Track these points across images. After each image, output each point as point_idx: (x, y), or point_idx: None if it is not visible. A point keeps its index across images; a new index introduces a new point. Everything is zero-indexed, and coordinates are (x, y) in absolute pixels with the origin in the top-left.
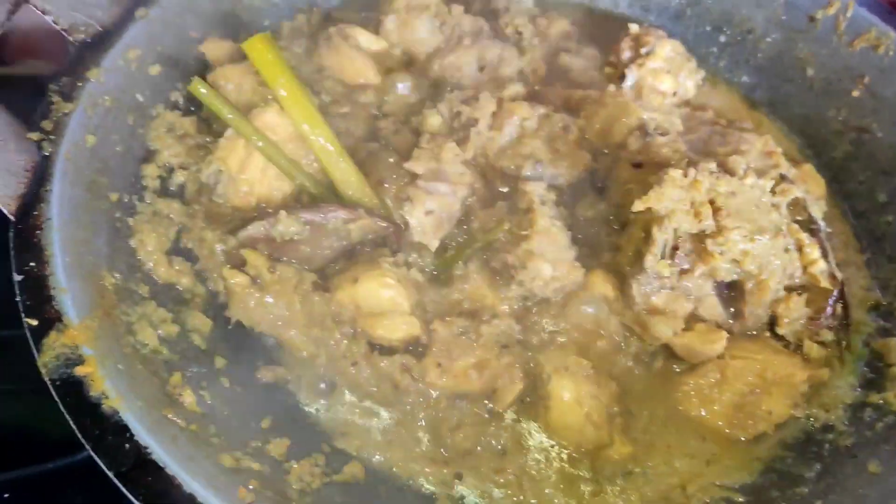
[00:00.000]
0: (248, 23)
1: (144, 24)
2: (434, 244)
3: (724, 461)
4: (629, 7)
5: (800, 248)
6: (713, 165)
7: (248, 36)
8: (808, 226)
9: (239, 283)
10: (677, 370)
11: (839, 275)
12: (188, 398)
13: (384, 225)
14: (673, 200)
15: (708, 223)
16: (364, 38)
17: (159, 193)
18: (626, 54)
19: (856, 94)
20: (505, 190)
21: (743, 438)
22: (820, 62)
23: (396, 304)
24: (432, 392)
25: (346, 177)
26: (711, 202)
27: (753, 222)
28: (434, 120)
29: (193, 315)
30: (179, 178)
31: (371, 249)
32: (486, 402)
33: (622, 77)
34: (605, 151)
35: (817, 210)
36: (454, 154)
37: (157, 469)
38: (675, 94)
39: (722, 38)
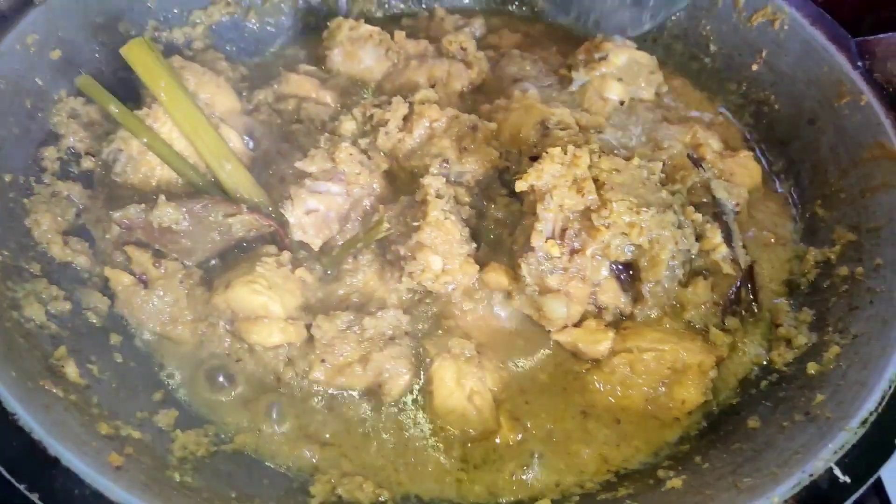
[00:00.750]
0: (155, 10)
1: (44, 10)
2: (317, 243)
3: (633, 442)
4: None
5: (701, 234)
6: (595, 146)
7: (156, 23)
8: (713, 209)
9: (122, 283)
10: (584, 370)
11: (744, 259)
12: (71, 370)
13: (266, 223)
14: (554, 177)
15: (591, 198)
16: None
17: (59, 176)
18: (581, 57)
19: (755, 68)
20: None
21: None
22: (721, 38)
23: (269, 310)
24: (315, 387)
25: (233, 176)
26: (595, 179)
27: (640, 197)
28: (348, 125)
29: (89, 293)
30: (87, 164)
31: (257, 246)
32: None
33: (570, 81)
34: (515, 152)
35: (723, 192)
36: (349, 154)
37: (21, 433)
38: (622, 102)
39: None
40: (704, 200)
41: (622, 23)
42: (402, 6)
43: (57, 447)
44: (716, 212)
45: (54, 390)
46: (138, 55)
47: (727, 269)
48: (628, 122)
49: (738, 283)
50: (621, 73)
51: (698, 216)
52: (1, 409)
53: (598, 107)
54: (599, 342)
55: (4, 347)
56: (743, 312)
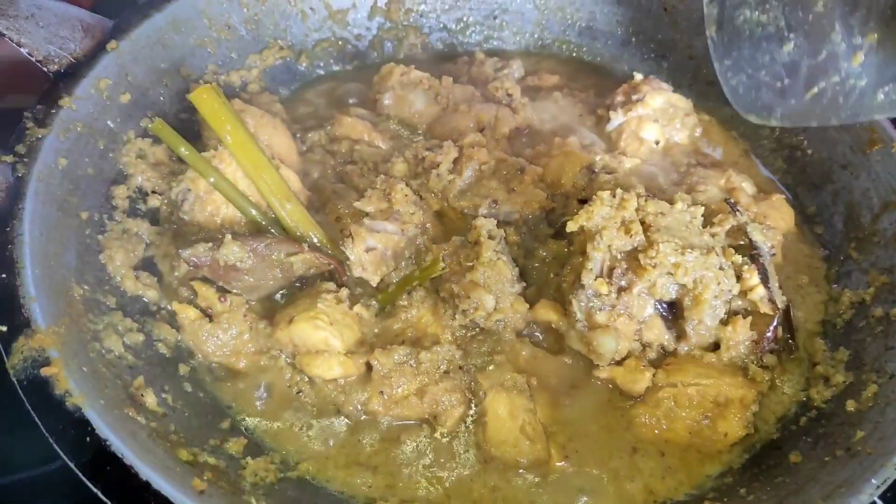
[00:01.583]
0: (215, 55)
1: (115, 56)
2: (374, 280)
3: (678, 475)
4: (578, 36)
5: (739, 275)
6: (641, 190)
7: (215, 67)
8: (749, 251)
9: (188, 317)
10: (629, 404)
11: (780, 300)
12: (150, 399)
13: (325, 261)
14: (603, 218)
15: (639, 239)
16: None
17: (128, 213)
18: (619, 99)
19: None
20: (465, 228)
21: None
22: None
23: (329, 344)
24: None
25: (293, 215)
26: (642, 222)
27: (684, 239)
28: (400, 166)
29: (159, 326)
30: (154, 201)
31: (317, 283)
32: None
33: (608, 120)
34: (560, 193)
35: (759, 235)
36: (404, 195)
37: (115, 460)
38: (657, 143)
39: (665, 65)
40: (741, 243)
41: (758, 102)
42: (441, 46)
43: (147, 472)
44: (753, 254)
45: (138, 418)
46: (206, 100)
47: (765, 308)
48: (664, 164)
49: (776, 322)
50: (657, 115)
51: (738, 258)
52: (94, 436)
53: (633, 147)
54: (638, 381)
55: (92, 377)
56: (780, 351)
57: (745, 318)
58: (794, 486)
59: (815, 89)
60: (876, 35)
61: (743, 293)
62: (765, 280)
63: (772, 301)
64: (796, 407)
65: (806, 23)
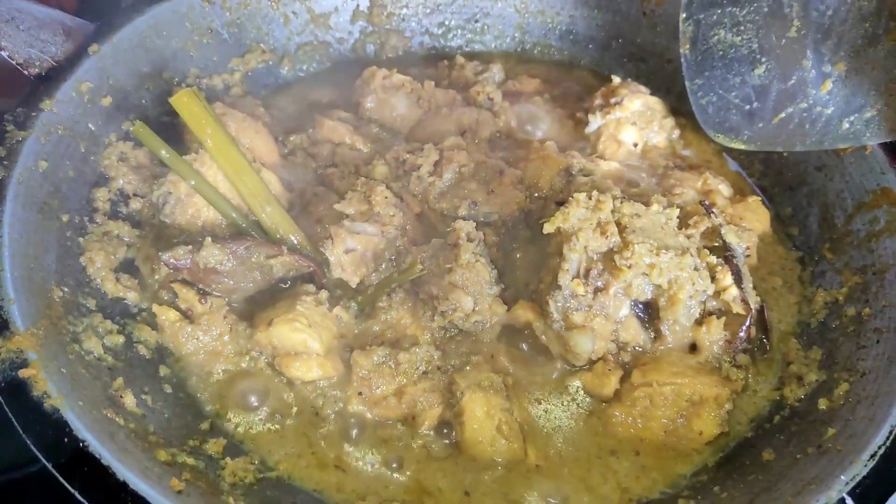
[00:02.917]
0: (197, 59)
1: (97, 59)
2: (354, 281)
3: (652, 473)
4: (559, 40)
5: (713, 276)
6: (617, 191)
7: (197, 71)
8: (724, 253)
9: (168, 319)
10: (605, 403)
11: (754, 301)
12: (129, 400)
13: (305, 263)
14: (579, 220)
15: (614, 240)
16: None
17: (109, 216)
18: (597, 102)
19: None
20: (448, 230)
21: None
22: None
23: (308, 346)
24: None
25: (273, 218)
26: (617, 224)
27: (659, 240)
28: (381, 169)
29: (140, 328)
30: (136, 204)
31: (297, 285)
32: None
33: (587, 123)
34: (538, 195)
35: (733, 237)
36: (384, 197)
37: (92, 460)
38: (636, 145)
39: (644, 68)
40: (716, 244)
41: (725, 123)
42: (423, 49)
43: (124, 472)
44: (727, 255)
45: (116, 419)
46: (187, 104)
47: (738, 309)
48: (642, 166)
49: (749, 322)
50: (635, 118)
51: (712, 259)
52: (72, 437)
53: (612, 150)
54: (605, 385)
55: (71, 378)
56: (754, 350)
57: (718, 318)
58: (766, 483)
59: (783, 114)
60: (844, 65)
61: (717, 293)
62: (738, 281)
63: (745, 301)
64: (770, 406)
65: (778, 47)
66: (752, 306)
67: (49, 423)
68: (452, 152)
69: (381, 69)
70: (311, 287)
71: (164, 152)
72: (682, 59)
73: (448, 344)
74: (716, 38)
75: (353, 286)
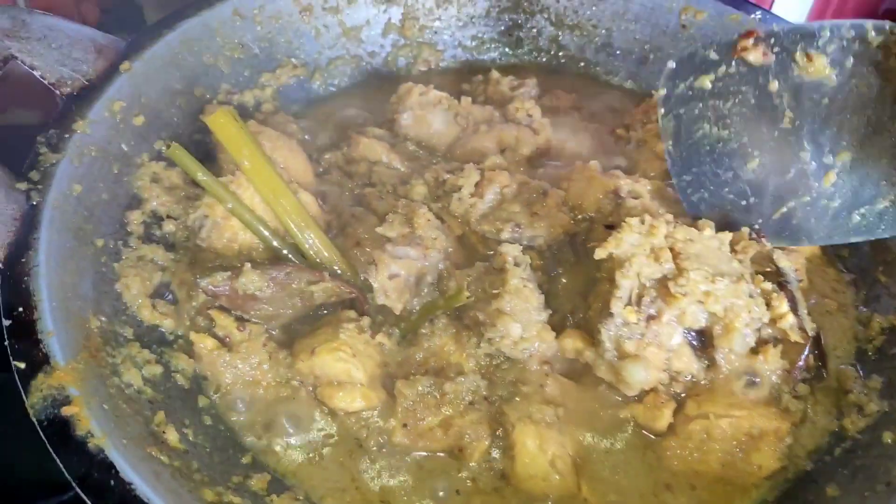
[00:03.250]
0: (228, 75)
1: (129, 77)
2: (398, 307)
3: None
4: (595, 53)
5: (768, 302)
6: (670, 216)
7: (228, 87)
8: (777, 279)
9: (206, 347)
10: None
11: (810, 327)
12: (171, 436)
13: (347, 289)
14: (632, 245)
15: (668, 266)
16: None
17: (143, 239)
18: (638, 117)
19: None
20: (489, 253)
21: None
22: None
23: (352, 376)
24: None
25: (313, 243)
26: (671, 248)
27: (713, 266)
28: (420, 189)
29: (177, 356)
30: (169, 226)
31: (337, 311)
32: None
33: (627, 141)
34: (583, 217)
35: (786, 262)
36: (427, 220)
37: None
38: None
39: None
40: (767, 270)
41: (722, 220)
42: (456, 63)
43: None
44: (780, 281)
45: (161, 457)
46: (223, 125)
47: (795, 337)
48: None
49: (807, 350)
50: None
51: (767, 285)
52: (118, 479)
53: (654, 166)
54: (658, 418)
55: (113, 415)
56: (812, 379)
57: (775, 346)
58: None
59: (784, 209)
60: (849, 154)
61: (773, 321)
62: (794, 307)
63: (802, 329)
64: (830, 437)
65: (771, 139)
66: (809, 333)
67: (95, 465)
68: (494, 172)
69: (417, 85)
70: (352, 314)
71: (201, 175)
72: (667, 156)
73: (494, 373)
74: (700, 132)
75: (397, 312)
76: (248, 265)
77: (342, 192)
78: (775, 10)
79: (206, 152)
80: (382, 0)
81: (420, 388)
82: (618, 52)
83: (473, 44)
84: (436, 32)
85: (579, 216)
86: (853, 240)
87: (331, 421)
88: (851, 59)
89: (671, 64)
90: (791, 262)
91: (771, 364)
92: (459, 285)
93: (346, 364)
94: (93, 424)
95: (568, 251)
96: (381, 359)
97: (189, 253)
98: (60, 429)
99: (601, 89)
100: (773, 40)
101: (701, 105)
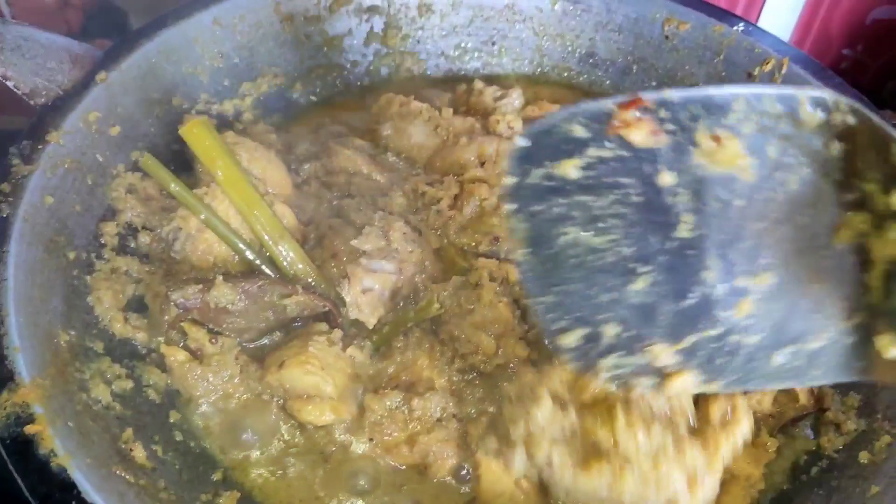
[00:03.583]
0: (207, 84)
1: (104, 88)
2: (371, 322)
3: None
4: (578, 63)
5: None
6: None
7: (207, 97)
8: None
9: (177, 360)
10: None
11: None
12: (139, 453)
13: (320, 303)
14: None
15: None
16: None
17: (118, 251)
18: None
19: None
20: (467, 266)
21: None
22: None
23: (320, 389)
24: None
25: (287, 255)
26: None
27: None
28: (400, 201)
29: (149, 370)
30: (145, 238)
31: (308, 324)
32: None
33: None
34: None
35: None
36: (403, 233)
37: None
38: None
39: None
40: None
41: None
42: (439, 72)
43: None
44: None
45: (125, 475)
46: (197, 135)
47: (804, 400)
48: None
49: (805, 413)
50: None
51: None
52: (80, 500)
53: None
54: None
55: (78, 433)
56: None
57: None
58: None
59: (683, 344)
60: (771, 277)
61: None
62: None
63: (811, 391)
64: (806, 456)
65: (663, 253)
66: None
67: (56, 485)
68: (473, 185)
69: (398, 96)
70: (323, 326)
71: (174, 186)
72: (518, 269)
73: (464, 390)
74: (563, 239)
75: (370, 327)
76: (220, 278)
77: (320, 203)
78: (762, 22)
79: (184, 163)
80: (365, 9)
81: (388, 403)
82: (601, 63)
83: (456, 53)
84: (418, 42)
85: None
86: (776, 387)
87: (299, 435)
88: (777, 144)
89: (521, 141)
90: None
91: (763, 408)
92: (430, 298)
93: (315, 377)
94: (56, 443)
95: None
96: (352, 371)
97: (164, 265)
98: (22, 447)
99: (585, 100)
100: (664, 112)
101: (563, 201)
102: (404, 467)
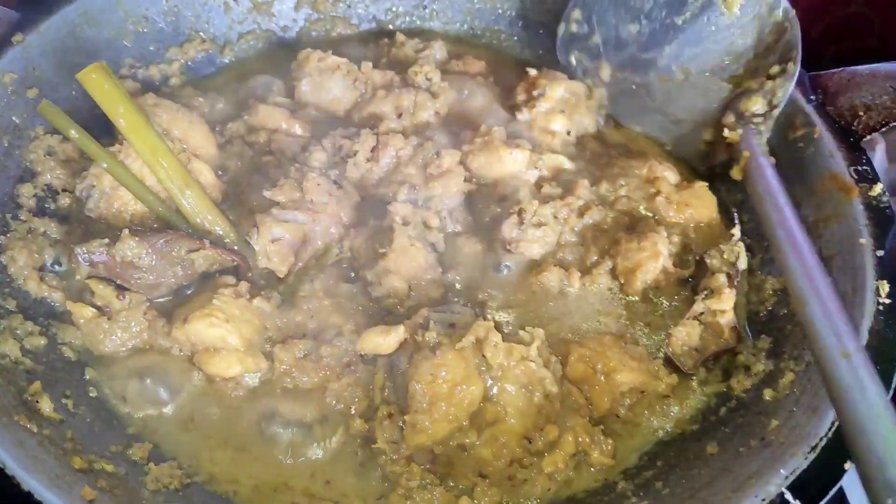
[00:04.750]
0: (132, 48)
1: (21, 49)
2: (282, 271)
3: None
4: (509, 26)
5: (718, 292)
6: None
7: (132, 61)
8: (729, 271)
9: (84, 316)
10: None
11: (741, 326)
12: (45, 405)
13: (228, 257)
14: None
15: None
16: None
17: (35, 212)
18: (521, 97)
19: None
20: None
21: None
22: None
23: (226, 341)
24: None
25: (194, 204)
26: None
27: None
28: (319, 155)
29: (65, 328)
30: (65, 200)
31: (217, 277)
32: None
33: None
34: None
35: (744, 262)
36: (317, 184)
37: None
38: (568, 132)
39: None
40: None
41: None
42: (367, 25)
43: (29, 482)
44: (729, 273)
45: (28, 425)
46: (95, 80)
47: (727, 335)
48: (584, 157)
49: (727, 348)
50: (561, 105)
51: (720, 278)
52: None
53: (547, 141)
54: None
55: None
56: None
57: (700, 325)
58: (708, 477)
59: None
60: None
61: (713, 311)
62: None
63: (734, 329)
64: (716, 398)
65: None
66: (740, 333)
67: None
68: (388, 136)
69: (316, 51)
70: (230, 279)
71: (74, 132)
72: None
73: None
74: None
75: (281, 276)
76: (126, 231)
77: (243, 161)
78: None
79: (106, 127)
80: None
81: (297, 352)
82: (531, 25)
83: (388, 17)
84: (349, 6)
85: (481, 182)
86: None
87: (208, 387)
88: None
89: None
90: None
91: (691, 340)
92: (326, 244)
93: (220, 329)
94: None
95: (466, 211)
96: (260, 323)
97: (83, 226)
98: None
99: (514, 62)
100: None
101: None
102: (319, 417)
